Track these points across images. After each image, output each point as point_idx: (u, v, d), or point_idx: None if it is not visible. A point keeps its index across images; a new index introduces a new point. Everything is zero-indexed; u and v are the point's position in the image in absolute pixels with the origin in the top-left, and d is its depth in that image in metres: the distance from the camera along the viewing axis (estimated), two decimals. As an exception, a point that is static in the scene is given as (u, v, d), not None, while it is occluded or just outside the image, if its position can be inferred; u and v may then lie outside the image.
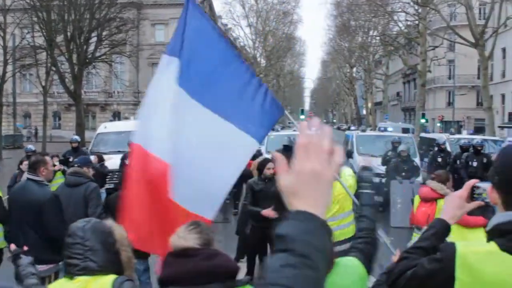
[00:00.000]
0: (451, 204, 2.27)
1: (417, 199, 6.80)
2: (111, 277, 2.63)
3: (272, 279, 1.11)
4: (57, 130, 53.69)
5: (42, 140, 35.64)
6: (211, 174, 4.13)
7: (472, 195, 2.22)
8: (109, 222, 2.88)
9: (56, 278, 5.79)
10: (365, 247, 2.95)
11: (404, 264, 2.07)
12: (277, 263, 1.12)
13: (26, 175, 5.95)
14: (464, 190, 2.26)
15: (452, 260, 1.87)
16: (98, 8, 33.47)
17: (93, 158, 13.29)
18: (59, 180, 11.83)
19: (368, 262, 2.84)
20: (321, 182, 1.18)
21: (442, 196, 6.13)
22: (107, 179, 13.40)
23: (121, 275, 2.72)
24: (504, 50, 43.08)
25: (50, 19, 32.54)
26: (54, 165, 11.89)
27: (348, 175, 6.19)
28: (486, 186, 2.12)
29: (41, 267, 5.54)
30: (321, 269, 1.13)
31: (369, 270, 2.81)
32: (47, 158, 6.18)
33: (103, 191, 12.93)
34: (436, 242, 2.12)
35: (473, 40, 26.58)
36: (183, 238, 2.76)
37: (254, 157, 14.26)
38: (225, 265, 2.78)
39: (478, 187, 2.23)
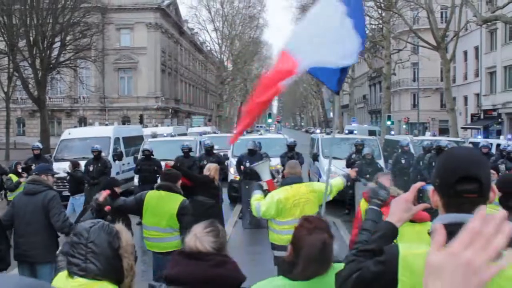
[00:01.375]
0: (398, 207, 2.28)
1: (363, 203, 6.67)
2: None
3: None
4: (21, 137, 52.58)
5: (5, 147, 34.90)
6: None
7: (419, 197, 2.24)
8: (118, 227, 2.84)
9: None
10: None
11: (351, 267, 2.09)
12: None
13: None
14: (411, 193, 2.27)
15: (395, 262, 1.89)
16: (61, 12, 33.01)
17: (68, 164, 13.15)
18: (21, 189, 11.62)
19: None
20: (472, 278, 1.02)
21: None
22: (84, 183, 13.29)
23: (120, 282, 2.69)
24: (465, 53, 44.06)
25: (12, 23, 31.95)
26: (19, 172, 11.71)
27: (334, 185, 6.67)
28: (430, 188, 2.15)
29: None
30: None
31: None
32: None
33: (78, 197, 12.79)
34: (383, 245, 2.14)
35: (435, 44, 27.10)
36: (199, 240, 2.76)
37: (219, 162, 14.27)
38: (232, 275, 2.79)
39: (424, 190, 2.26)
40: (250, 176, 12.99)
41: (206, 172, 8.79)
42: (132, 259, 2.79)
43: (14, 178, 11.45)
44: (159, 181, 7.86)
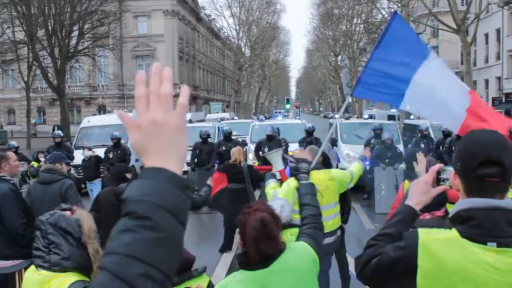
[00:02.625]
0: (417, 190, 2.23)
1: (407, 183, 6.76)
2: (69, 282, 2.54)
3: (110, 248, 1.02)
4: (42, 125, 53.19)
5: (26, 136, 35.33)
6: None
7: (438, 180, 2.20)
8: (78, 213, 2.83)
9: None
10: (312, 232, 2.99)
11: (370, 252, 2.06)
12: (116, 230, 1.03)
13: None
14: (429, 175, 2.23)
15: (415, 247, 1.86)
16: (79, 1, 33.14)
17: (90, 152, 13.35)
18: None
19: (317, 245, 2.89)
20: (167, 131, 1.09)
21: None
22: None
23: (90, 268, 2.68)
24: (487, 35, 43.33)
25: (30, 13, 32.17)
26: (39, 161, 11.89)
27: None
28: (452, 170, 2.11)
29: (5, 263, 5.51)
30: (167, 228, 1.03)
31: (317, 255, 2.84)
32: (10, 153, 6.09)
33: (97, 182, 13.00)
34: (403, 229, 2.10)
35: (455, 26, 26.65)
36: None
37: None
38: (185, 256, 2.82)
39: (443, 171, 2.22)
40: (268, 162, 12.98)
41: (232, 158, 8.92)
42: (96, 243, 2.76)
43: (36, 166, 11.65)
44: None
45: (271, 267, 2.62)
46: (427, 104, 5.23)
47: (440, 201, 4.15)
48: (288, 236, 5.57)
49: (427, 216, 4.35)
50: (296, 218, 4.72)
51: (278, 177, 6.39)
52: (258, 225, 2.60)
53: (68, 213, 2.78)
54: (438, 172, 2.20)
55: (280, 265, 2.64)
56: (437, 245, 1.85)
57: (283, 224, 4.55)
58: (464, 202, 1.90)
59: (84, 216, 2.81)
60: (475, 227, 1.82)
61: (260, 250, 2.61)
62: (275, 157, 6.95)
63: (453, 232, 1.87)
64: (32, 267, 2.72)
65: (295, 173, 3.51)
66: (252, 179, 8.94)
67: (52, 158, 6.53)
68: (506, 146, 1.91)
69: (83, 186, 13.76)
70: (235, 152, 8.86)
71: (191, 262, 2.82)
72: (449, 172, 2.17)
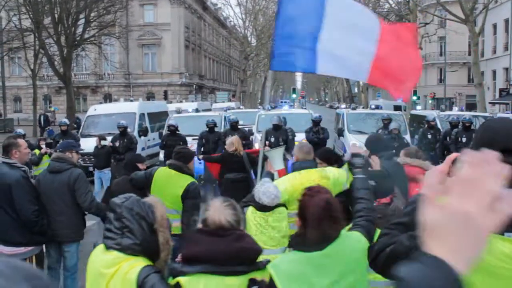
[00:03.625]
0: (433, 180, 2.19)
1: None
2: (139, 266, 2.60)
3: None
4: (49, 114, 53.27)
5: (32, 124, 35.41)
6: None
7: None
8: (152, 200, 2.84)
9: (38, 261, 5.78)
10: (366, 224, 3.01)
11: (384, 241, 2.04)
12: None
13: (0, 159, 5.88)
14: (446, 164, 2.18)
15: None
16: (85, -11, 33.05)
17: (95, 139, 13.39)
18: (46, 164, 11.87)
19: (370, 238, 2.89)
20: (473, 229, 0.96)
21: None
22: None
23: (157, 256, 2.71)
24: (495, 26, 43.01)
25: (37, 1, 32.10)
26: (41, 148, 11.92)
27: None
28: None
29: (17, 250, 5.57)
30: None
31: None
32: (20, 141, 6.09)
33: (107, 171, 13.04)
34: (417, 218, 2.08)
35: (463, 16, 26.47)
36: (219, 212, 2.77)
37: (244, 137, 14.27)
38: (252, 248, 2.81)
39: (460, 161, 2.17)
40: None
41: (230, 147, 8.71)
42: (167, 232, 2.79)
43: (38, 153, 11.72)
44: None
45: (326, 250, 2.65)
46: (337, 61, 5.24)
47: (386, 190, 4.19)
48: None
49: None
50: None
51: (276, 177, 5.96)
52: (323, 204, 2.67)
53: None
54: (454, 161, 2.14)
55: (334, 249, 2.67)
56: None
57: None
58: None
59: (158, 204, 2.82)
60: None
61: (322, 230, 2.65)
62: (276, 155, 6.45)
63: None
64: (101, 247, 2.76)
65: (351, 168, 3.51)
66: (252, 166, 8.75)
67: (63, 146, 6.43)
68: None
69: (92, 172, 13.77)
70: (234, 141, 8.69)
71: (259, 254, 2.84)
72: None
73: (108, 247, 2.70)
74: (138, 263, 2.60)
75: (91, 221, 8.39)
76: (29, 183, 5.82)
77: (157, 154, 17.10)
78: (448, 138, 14.24)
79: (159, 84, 54.09)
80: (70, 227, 6.09)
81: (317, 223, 2.65)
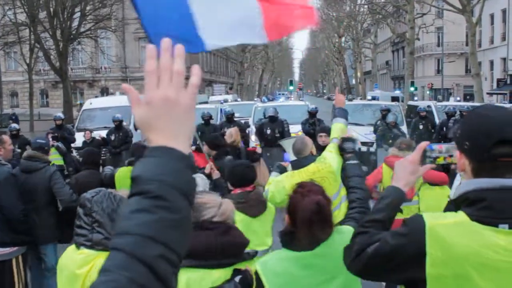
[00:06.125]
0: (404, 170, 2.07)
1: (386, 169, 6.15)
2: None
3: (123, 228, 0.97)
4: (45, 108, 53.16)
5: (29, 119, 35.32)
6: None
7: (424, 158, 2.08)
8: (124, 193, 2.80)
9: (24, 261, 5.64)
10: (359, 217, 2.90)
11: (363, 240, 1.91)
12: (128, 209, 0.99)
13: None
14: (416, 154, 2.07)
15: (422, 234, 1.74)
16: (81, -18, 32.88)
17: (84, 133, 13.39)
18: (53, 156, 11.90)
19: None
20: (178, 110, 1.05)
21: None
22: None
23: None
24: (492, 16, 42.93)
25: (31, -6, 31.96)
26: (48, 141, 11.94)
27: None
28: (437, 147, 2.02)
29: (3, 250, 5.36)
30: (182, 209, 1.00)
31: None
32: (5, 137, 5.97)
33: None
34: (392, 213, 1.99)
35: (460, 7, 26.39)
36: (227, 204, 2.75)
37: (240, 130, 14.22)
38: (239, 241, 2.77)
39: (431, 150, 2.11)
40: (271, 144, 12.94)
41: (229, 138, 8.67)
42: None
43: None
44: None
45: (316, 250, 2.58)
46: (223, 28, 4.55)
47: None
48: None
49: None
50: None
51: (289, 169, 5.58)
52: (314, 208, 2.54)
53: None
54: (424, 150, 2.06)
55: (325, 249, 2.59)
56: (447, 230, 1.73)
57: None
58: (472, 183, 1.78)
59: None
60: (486, 209, 1.72)
61: (312, 234, 2.56)
62: (291, 145, 6.03)
63: (461, 216, 1.76)
64: (72, 247, 2.72)
65: (342, 153, 3.31)
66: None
67: (36, 145, 6.18)
68: None
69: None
70: (233, 132, 8.65)
71: (245, 245, 2.80)
72: (437, 151, 2.06)
73: (79, 245, 2.66)
74: None
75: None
76: (17, 181, 5.68)
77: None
78: (445, 129, 14.22)
79: (156, 77, 53.89)
80: (45, 227, 5.88)
81: (307, 226, 2.56)
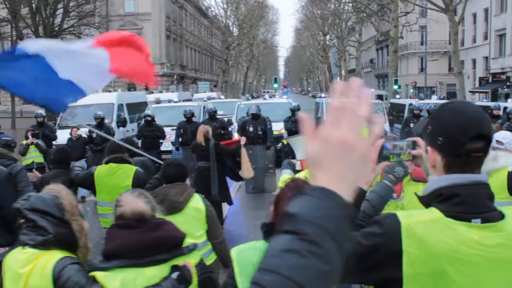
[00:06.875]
0: None
1: None
2: (55, 258, 2.56)
3: (271, 265, 0.92)
4: (27, 105, 52.53)
5: (11, 116, 34.94)
6: None
7: (380, 156, 2.08)
8: (55, 189, 2.79)
9: None
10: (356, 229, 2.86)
11: None
12: (279, 246, 0.93)
13: None
14: (373, 152, 2.02)
15: (397, 233, 1.72)
16: (63, -22, 32.58)
17: (70, 131, 13.31)
18: (34, 153, 11.82)
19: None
20: (352, 156, 0.98)
21: None
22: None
23: (75, 245, 2.67)
24: (475, 15, 43.31)
25: (13, -10, 31.60)
26: (28, 138, 11.89)
27: None
28: (390, 146, 2.03)
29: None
30: (334, 262, 0.93)
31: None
32: None
33: (81, 162, 12.91)
34: (355, 212, 1.93)
35: (443, 6, 26.58)
36: (131, 203, 2.71)
37: (223, 127, 14.23)
38: (170, 235, 2.76)
39: (395, 147, 2.11)
40: (253, 141, 12.94)
41: (198, 137, 8.96)
42: (81, 219, 2.75)
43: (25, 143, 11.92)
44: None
45: None
46: (87, 75, 5.23)
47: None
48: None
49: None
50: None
51: (298, 167, 5.72)
52: None
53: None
54: (381, 148, 2.05)
55: None
56: (422, 228, 1.72)
57: None
58: (445, 179, 1.78)
59: (63, 193, 2.76)
60: (460, 204, 1.73)
61: None
62: (298, 143, 6.06)
63: (435, 212, 1.76)
64: (17, 249, 2.72)
65: (388, 171, 3.12)
66: (219, 157, 8.96)
67: (2, 142, 6.08)
68: (489, 119, 1.86)
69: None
70: (200, 130, 8.92)
71: (181, 240, 2.79)
72: (399, 147, 2.06)
73: (24, 245, 2.65)
74: (54, 256, 2.56)
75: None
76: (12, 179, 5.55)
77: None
78: (411, 125, 14.50)
79: (140, 74, 53.59)
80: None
81: None
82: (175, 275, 2.65)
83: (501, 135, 6.11)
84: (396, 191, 6.22)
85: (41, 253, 2.57)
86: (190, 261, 2.76)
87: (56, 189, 2.82)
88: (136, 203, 2.70)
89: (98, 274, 2.59)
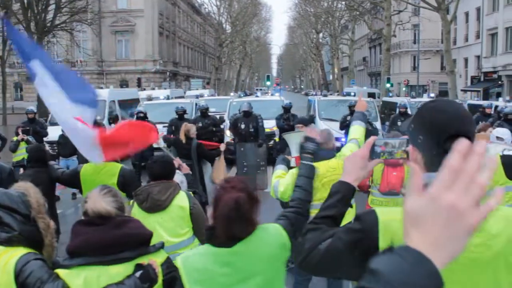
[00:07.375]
0: (354, 165, 2.05)
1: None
2: (18, 255, 2.54)
3: None
4: (19, 102, 52.29)
5: (2, 112, 34.74)
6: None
7: (372, 153, 2.07)
8: (24, 187, 2.77)
9: None
10: (293, 217, 2.81)
11: (315, 236, 1.86)
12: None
13: None
14: (365, 149, 2.05)
15: (375, 229, 1.72)
16: (55, -27, 32.39)
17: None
18: (23, 150, 11.77)
19: (293, 232, 2.71)
20: (458, 224, 0.90)
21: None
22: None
23: (40, 243, 2.65)
24: (467, 14, 43.47)
25: (5, -14, 31.38)
26: (18, 134, 11.84)
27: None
28: (383, 141, 2.03)
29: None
30: None
31: (292, 240, 2.68)
32: None
33: (74, 159, 12.79)
34: (344, 209, 1.98)
35: (436, 5, 26.66)
36: (97, 200, 2.68)
37: (215, 124, 14.20)
38: (135, 233, 2.73)
39: (386, 145, 2.11)
40: (245, 138, 12.94)
41: (180, 134, 9.15)
42: (47, 217, 2.73)
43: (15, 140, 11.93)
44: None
45: (235, 247, 2.51)
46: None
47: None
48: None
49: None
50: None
51: (292, 163, 5.57)
52: (232, 205, 2.46)
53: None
54: (373, 145, 2.05)
55: (244, 247, 2.52)
56: (398, 225, 1.68)
57: None
58: (425, 177, 1.79)
59: (30, 191, 2.74)
60: None
61: (228, 230, 2.48)
62: (294, 140, 5.77)
63: None
64: None
65: (301, 151, 3.18)
66: (199, 156, 9.11)
67: None
68: (471, 117, 1.86)
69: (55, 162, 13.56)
70: (182, 128, 9.05)
71: (147, 238, 2.77)
72: (391, 145, 2.06)
73: None
74: (17, 252, 2.54)
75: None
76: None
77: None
78: (399, 123, 14.42)
79: (133, 71, 53.45)
80: None
81: (225, 223, 2.49)
82: (138, 273, 2.62)
83: (500, 132, 6.23)
84: (396, 188, 6.10)
85: (5, 250, 2.54)
86: (156, 259, 2.73)
87: (24, 187, 2.79)
88: (98, 202, 2.67)
89: (61, 272, 2.57)
